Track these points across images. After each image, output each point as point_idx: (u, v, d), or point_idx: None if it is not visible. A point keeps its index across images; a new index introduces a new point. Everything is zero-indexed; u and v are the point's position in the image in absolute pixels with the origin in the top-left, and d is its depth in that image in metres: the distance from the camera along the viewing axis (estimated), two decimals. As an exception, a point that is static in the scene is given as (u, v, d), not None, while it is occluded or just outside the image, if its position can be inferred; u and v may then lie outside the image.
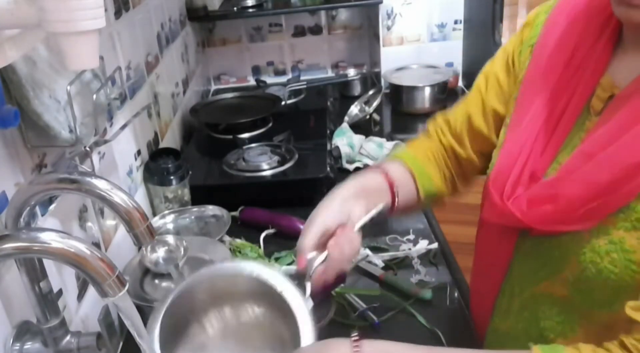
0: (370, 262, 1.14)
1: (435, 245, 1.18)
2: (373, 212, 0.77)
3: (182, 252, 1.01)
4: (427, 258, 1.16)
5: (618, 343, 0.59)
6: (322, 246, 0.72)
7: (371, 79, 2.13)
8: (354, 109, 1.83)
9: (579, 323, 0.69)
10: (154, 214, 1.30)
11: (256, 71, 2.23)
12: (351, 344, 0.65)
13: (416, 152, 0.90)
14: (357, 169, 1.51)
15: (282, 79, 2.17)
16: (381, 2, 1.96)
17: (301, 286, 0.70)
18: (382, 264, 1.14)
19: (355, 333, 0.66)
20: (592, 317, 0.68)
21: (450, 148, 0.90)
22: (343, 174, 1.50)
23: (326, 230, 0.73)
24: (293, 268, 0.74)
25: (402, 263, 1.15)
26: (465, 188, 0.94)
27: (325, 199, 0.76)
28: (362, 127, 1.72)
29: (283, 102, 1.75)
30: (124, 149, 1.18)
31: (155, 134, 1.40)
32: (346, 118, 1.77)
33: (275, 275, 0.71)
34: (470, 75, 2.08)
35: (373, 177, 0.83)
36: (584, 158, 0.65)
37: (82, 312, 0.91)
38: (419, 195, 0.86)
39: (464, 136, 0.88)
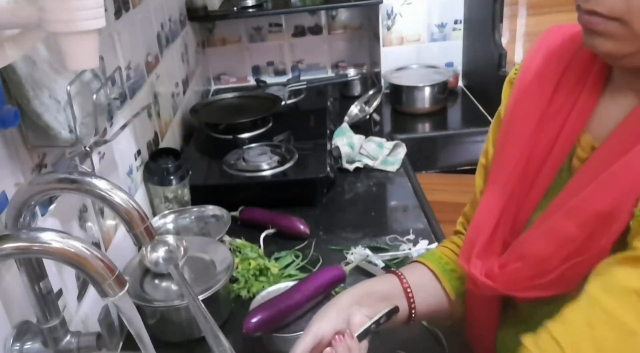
0: (370, 262, 1.14)
1: (435, 245, 1.18)
2: (376, 318, 0.73)
3: (182, 252, 1.01)
4: (427, 258, 1.16)
5: None
6: None
7: (371, 79, 2.13)
8: (354, 109, 1.83)
9: None
10: (154, 214, 1.30)
11: (256, 71, 2.23)
12: None
13: (442, 250, 0.85)
14: (357, 169, 1.52)
15: (282, 79, 2.17)
16: (381, 2, 1.96)
17: None
18: (382, 264, 1.14)
19: None
20: None
21: None
22: (343, 174, 1.50)
23: (321, 338, 0.69)
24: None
25: (402, 263, 1.15)
26: None
27: (324, 307, 0.73)
28: (362, 127, 1.72)
29: (283, 102, 1.75)
30: (124, 149, 1.18)
31: (155, 134, 1.40)
32: (346, 118, 1.77)
33: None
34: (470, 75, 2.09)
35: (384, 281, 0.78)
36: (553, 212, 0.62)
37: (82, 312, 0.91)
38: (448, 295, 0.80)
39: None
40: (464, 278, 0.78)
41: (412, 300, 0.77)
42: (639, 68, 0.60)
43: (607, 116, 0.63)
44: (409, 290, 0.77)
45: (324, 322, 0.70)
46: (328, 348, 0.69)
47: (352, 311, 0.72)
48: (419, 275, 0.79)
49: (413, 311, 0.77)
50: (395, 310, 0.75)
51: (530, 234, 0.65)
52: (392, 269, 0.81)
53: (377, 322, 0.73)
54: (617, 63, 0.62)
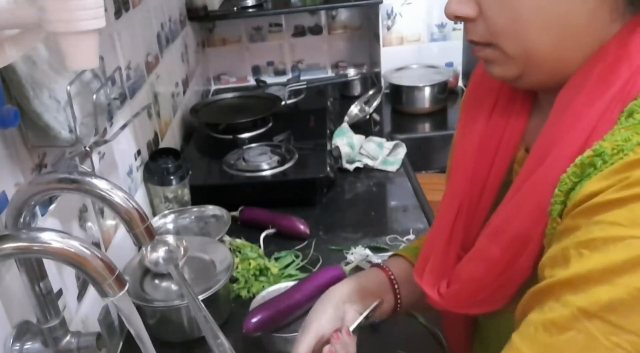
0: (370, 262, 1.14)
1: (435, 245, 1.17)
2: (366, 313, 0.74)
3: (182, 252, 1.01)
4: (427, 258, 1.16)
5: None
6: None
7: (371, 79, 2.13)
8: (354, 109, 1.83)
9: None
10: (154, 214, 1.30)
11: (256, 71, 2.23)
12: None
13: (422, 244, 0.86)
14: (357, 169, 1.52)
15: (282, 79, 2.17)
16: (381, 2, 1.96)
17: None
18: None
19: None
20: None
21: None
22: (343, 174, 1.50)
23: (321, 337, 0.71)
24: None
25: (402, 263, 1.15)
26: None
27: (319, 303, 0.74)
28: (362, 127, 1.72)
29: (283, 102, 1.75)
30: (124, 149, 1.18)
31: (155, 134, 1.40)
32: (346, 118, 1.77)
33: None
34: (470, 75, 2.08)
35: (372, 275, 0.80)
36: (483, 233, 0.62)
37: (82, 312, 0.91)
38: None
39: None
40: None
41: (398, 294, 0.79)
42: (547, 87, 0.59)
43: (537, 131, 0.62)
44: (395, 284, 0.79)
45: (324, 320, 0.72)
46: (327, 346, 0.70)
47: (345, 307, 0.74)
48: (403, 268, 0.81)
49: (399, 303, 0.79)
50: (380, 304, 0.77)
51: (466, 256, 0.65)
52: (378, 263, 0.82)
53: (366, 316, 0.75)
54: (517, 85, 0.62)
